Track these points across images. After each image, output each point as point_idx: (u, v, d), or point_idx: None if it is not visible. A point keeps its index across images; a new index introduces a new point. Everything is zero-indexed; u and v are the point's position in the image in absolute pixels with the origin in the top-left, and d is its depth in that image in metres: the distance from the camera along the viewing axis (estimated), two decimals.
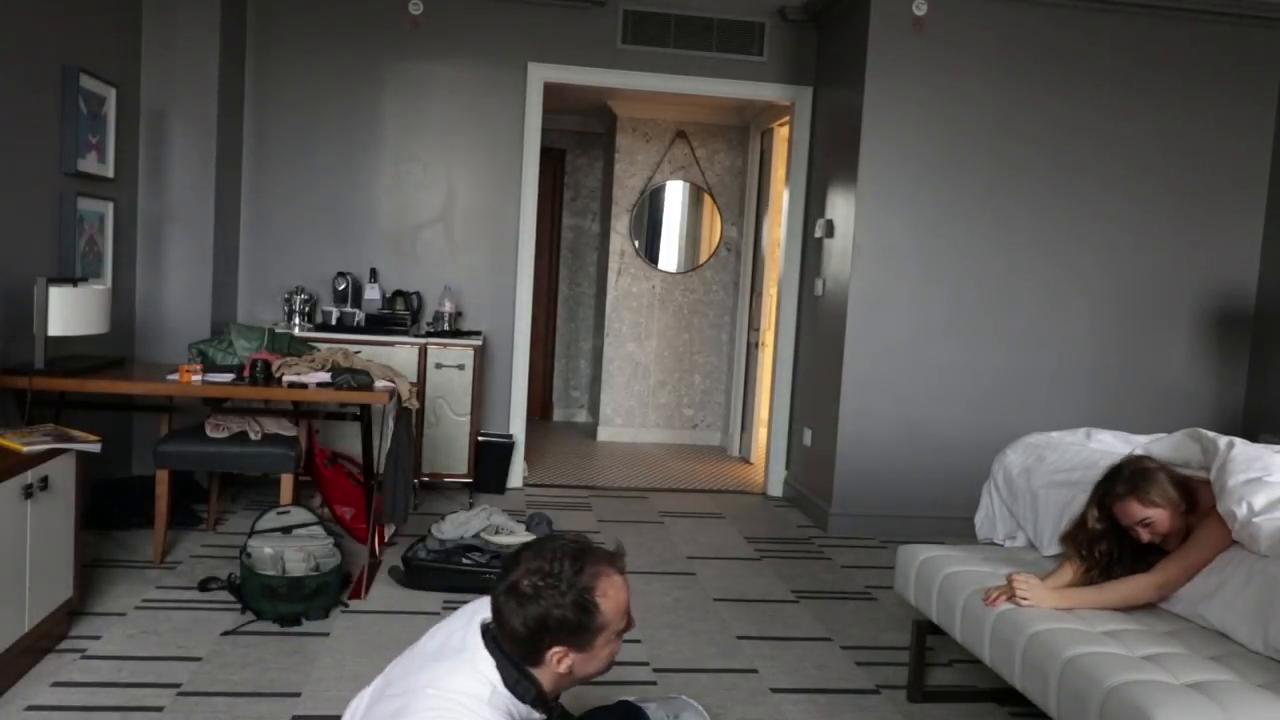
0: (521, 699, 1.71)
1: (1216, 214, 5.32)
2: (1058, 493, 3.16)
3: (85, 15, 4.30)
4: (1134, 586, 2.68)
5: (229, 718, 2.79)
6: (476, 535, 3.99)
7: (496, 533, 4.03)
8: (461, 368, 5.34)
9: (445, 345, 5.33)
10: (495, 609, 1.75)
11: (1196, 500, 2.68)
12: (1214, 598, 2.56)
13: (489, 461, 5.52)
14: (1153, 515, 2.63)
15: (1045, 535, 3.19)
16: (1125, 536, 2.72)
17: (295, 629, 3.44)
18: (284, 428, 4.20)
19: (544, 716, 1.77)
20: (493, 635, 1.76)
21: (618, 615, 1.75)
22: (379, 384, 3.99)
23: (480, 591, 2.94)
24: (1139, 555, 2.74)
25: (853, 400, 5.10)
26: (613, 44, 5.66)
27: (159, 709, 2.81)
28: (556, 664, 1.72)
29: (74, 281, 3.85)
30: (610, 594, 1.73)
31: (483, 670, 1.71)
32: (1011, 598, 2.70)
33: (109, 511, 4.40)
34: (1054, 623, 2.57)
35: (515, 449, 5.71)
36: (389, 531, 4.44)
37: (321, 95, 5.49)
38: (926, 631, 3.15)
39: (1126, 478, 2.68)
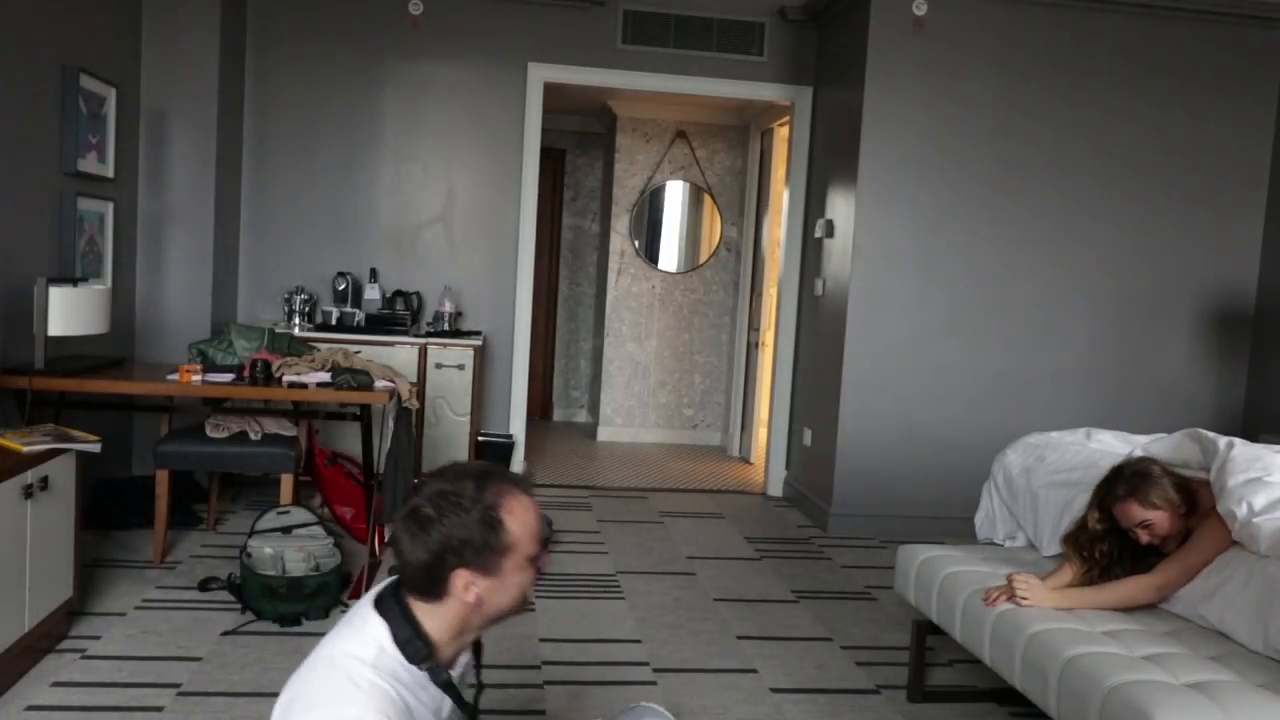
0: (411, 659, 1.60)
1: (1216, 214, 5.32)
2: (1058, 493, 3.16)
3: (85, 15, 4.30)
4: (1134, 587, 2.69)
5: (229, 718, 2.79)
6: None
7: None
8: (461, 368, 5.34)
9: (445, 345, 5.33)
10: (394, 540, 1.65)
11: (1196, 502, 2.68)
12: (1214, 598, 2.56)
13: (489, 461, 5.52)
14: (1153, 517, 2.63)
15: (1045, 535, 3.19)
16: (1126, 537, 2.72)
17: (295, 629, 3.44)
18: (284, 428, 4.20)
19: (433, 675, 1.63)
20: (391, 590, 1.67)
21: (527, 536, 1.64)
22: (379, 384, 3.99)
23: None
24: (1139, 556, 2.74)
25: (853, 400, 5.10)
26: (613, 44, 5.66)
27: (159, 709, 2.81)
28: (464, 591, 1.61)
29: (74, 281, 3.85)
30: (517, 511, 1.63)
31: (371, 631, 1.62)
32: (1011, 598, 2.70)
33: (109, 511, 4.40)
34: (1054, 623, 2.57)
35: (515, 449, 5.71)
36: (389, 531, 4.44)
37: (321, 95, 5.50)
38: (926, 631, 3.15)
39: (1127, 479, 2.68)
